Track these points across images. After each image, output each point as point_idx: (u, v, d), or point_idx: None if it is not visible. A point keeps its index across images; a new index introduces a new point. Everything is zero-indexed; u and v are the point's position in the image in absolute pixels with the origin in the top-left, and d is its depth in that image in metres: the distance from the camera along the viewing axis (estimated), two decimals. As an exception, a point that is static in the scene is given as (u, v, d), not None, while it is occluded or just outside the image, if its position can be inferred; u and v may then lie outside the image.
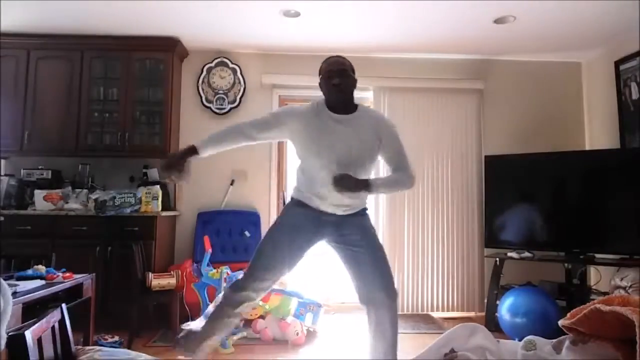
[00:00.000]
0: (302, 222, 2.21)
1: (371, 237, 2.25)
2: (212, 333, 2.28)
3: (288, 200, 2.38)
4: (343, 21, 3.76)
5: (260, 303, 3.50)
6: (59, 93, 4.05)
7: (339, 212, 2.19)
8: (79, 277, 2.65)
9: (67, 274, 2.58)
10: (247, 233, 4.21)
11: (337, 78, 2.16)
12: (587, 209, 3.68)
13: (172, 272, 3.44)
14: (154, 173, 4.22)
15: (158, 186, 3.93)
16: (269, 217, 4.37)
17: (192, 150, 2.13)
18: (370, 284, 2.14)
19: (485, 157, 4.23)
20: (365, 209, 2.30)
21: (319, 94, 2.27)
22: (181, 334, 2.57)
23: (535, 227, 3.91)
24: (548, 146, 4.14)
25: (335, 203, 2.17)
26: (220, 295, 2.30)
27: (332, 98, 2.20)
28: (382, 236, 4.34)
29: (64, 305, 1.64)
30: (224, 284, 3.32)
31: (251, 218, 4.31)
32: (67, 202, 3.87)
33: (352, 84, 2.22)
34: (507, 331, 3.42)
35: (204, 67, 4.44)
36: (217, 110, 4.43)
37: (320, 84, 2.25)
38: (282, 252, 2.19)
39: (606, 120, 4.28)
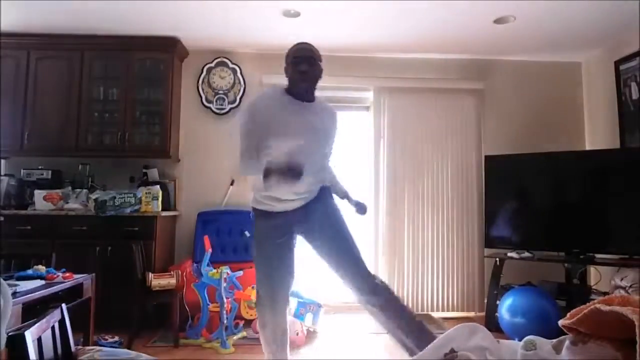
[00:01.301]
0: (274, 233, 2.23)
1: (335, 221, 2.29)
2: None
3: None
4: (343, 21, 3.76)
5: (260, 303, 3.50)
6: (59, 93, 4.05)
7: (299, 203, 2.22)
8: (79, 277, 2.65)
9: (67, 274, 2.58)
10: (247, 233, 4.19)
11: (305, 65, 2.12)
12: (587, 209, 3.68)
13: (172, 272, 3.44)
14: (154, 173, 4.23)
15: (158, 186, 3.94)
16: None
17: None
18: (351, 273, 2.23)
19: (485, 157, 4.23)
20: (324, 188, 2.32)
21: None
22: None
23: (535, 227, 3.91)
24: (548, 146, 4.14)
25: (293, 193, 2.18)
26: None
27: (297, 85, 2.16)
28: (382, 236, 4.35)
29: (64, 305, 1.64)
30: (223, 284, 3.32)
31: (251, 218, 4.29)
32: (67, 202, 3.87)
33: (318, 72, 2.19)
34: (507, 331, 3.42)
35: (204, 67, 4.44)
36: (217, 110, 4.43)
37: (285, 69, 2.20)
38: (276, 264, 2.24)
39: (606, 120, 4.28)
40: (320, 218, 2.26)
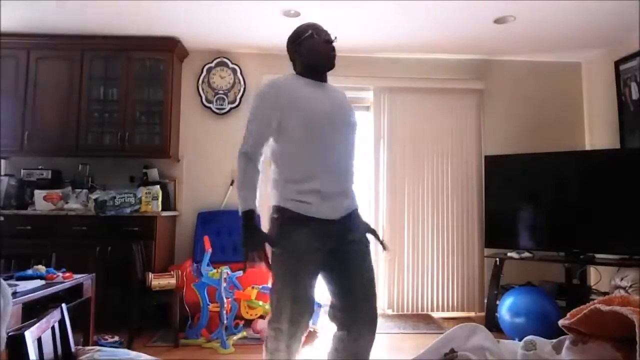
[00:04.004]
0: (310, 246, 1.77)
1: (369, 247, 1.93)
2: None
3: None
4: (343, 21, 3.75)
5: (260, 303, 3.50)
6: (59, 93, 4.05)
7: (343, 211, 1.83)
8: (79, 277, 2.65)
9: (67, 274, 2.58)
10: (247, 233, 4.20)
11: (329, 35, 1.91)
12: (587, 209, 3.68)
13: (172, 272, 3.44)
14: (154, 173, 4.22)
15: (158, 186, 3.93)
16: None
17: (254, 217, 1.82)
18: (360, 307, 1.83)
19: (485, 157, 4.23)
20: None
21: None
22: None
23: (535, 227, 3.91)
24: (548, 146, 4.14)
25: (339, 190, 1.83)
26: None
27: (324, 56, 1.90)
28: (382, 236, 4.33)
29: (64, 305, 1.64)
30: (223, 284, 3.32)
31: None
32: (67, 202, 3.87)
33: None
34: (507, 331, 3.42)
35: (204, 67, 4.44)
36: (217, 110, 4.43)
37: (296, 47, 1.92)
38: (306, 289, 1.79)
39: (606, 120, 4.28)
40: (364, 240, 1.91)
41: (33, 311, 2.11)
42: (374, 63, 4.54)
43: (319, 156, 1.80)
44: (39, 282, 2.38)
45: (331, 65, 1.93)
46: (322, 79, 1.93)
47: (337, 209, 1.83)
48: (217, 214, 4.29)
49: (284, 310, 1.76)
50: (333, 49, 1.91)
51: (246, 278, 3.58)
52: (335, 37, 1.94)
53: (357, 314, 1.83)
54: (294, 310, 1.76)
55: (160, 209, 3.85)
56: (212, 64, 4.45)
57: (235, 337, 3.37)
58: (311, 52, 1.90)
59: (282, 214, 1.83)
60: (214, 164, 4.40)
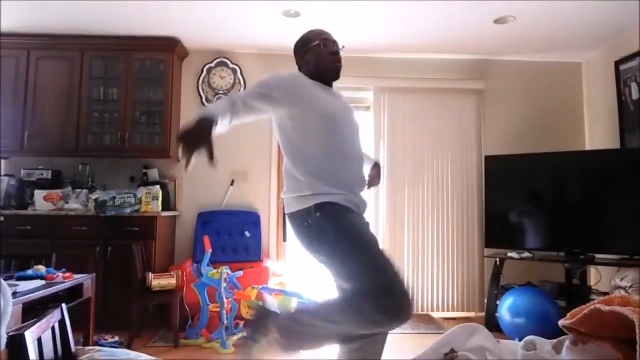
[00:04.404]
0: (366, 224, 1.84)
1: None
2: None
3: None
4: (343, 21, 3.75)
5: (260, 303, 3.50)
6: (59, 93, 4.05)
7: (365, 207, 1.95)
8: (79, 277, 2.64)
9: (67, 274, 2.58)
10: (247, 233, 4.21)
11: (336, 45, 1.95)
12: (587, 209, 3.68)
13: (172, 272, 3.44)
14: (154, 173, 4.23)
15: (158, 186, 3.94)
16: (268, 217, 4.37)
17: (211, 125, 1.64)
18: None
19: (485, 157, 4.23)
20: None
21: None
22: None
23: (535, 227, 3.91)
24: (548, 146, 4.14)
25: (362, 185, 1.94)
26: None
27: (329, 68, 1.93)
28: (382, 236, 4.34)
29: (64, 305, 1.64)
30: (223, 284, 3.32)
31: (251, 218, 4.31)
32: (67, 202, 3.87)
33: None
34: (507, 331, 3.42)
35: (204, 67, 4.44)
36: (217, 110, 4.43)
37: (303, 54, 1.96)
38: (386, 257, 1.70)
39: (606, 120, 4.28)
40: None
41: (33, 311, 2.11)
42: (374, 63, 4.54)
43: (343, 152, 1.83)
44: (39, 282, 2.37)
45: (336, 77, 1.97)
46: (327, 83, 1.97)
47: (364, 203, 1.90)
48: (217, 214, 4.29)
49: (390, 270, 1.60)
50: (339, 60, 1.94)
51: (246, 278, 3.58)
52: (343, 47, 1.98)
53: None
54: (394, 271, 1.60)
55: (160, 209, 3.85)
56: (212, 64, 4.45)
57: (235, 337, 3.37)
58: (317, 63, 1.93)
59: (323, 209, 1.72)
60: (214, 164, 4.39)
